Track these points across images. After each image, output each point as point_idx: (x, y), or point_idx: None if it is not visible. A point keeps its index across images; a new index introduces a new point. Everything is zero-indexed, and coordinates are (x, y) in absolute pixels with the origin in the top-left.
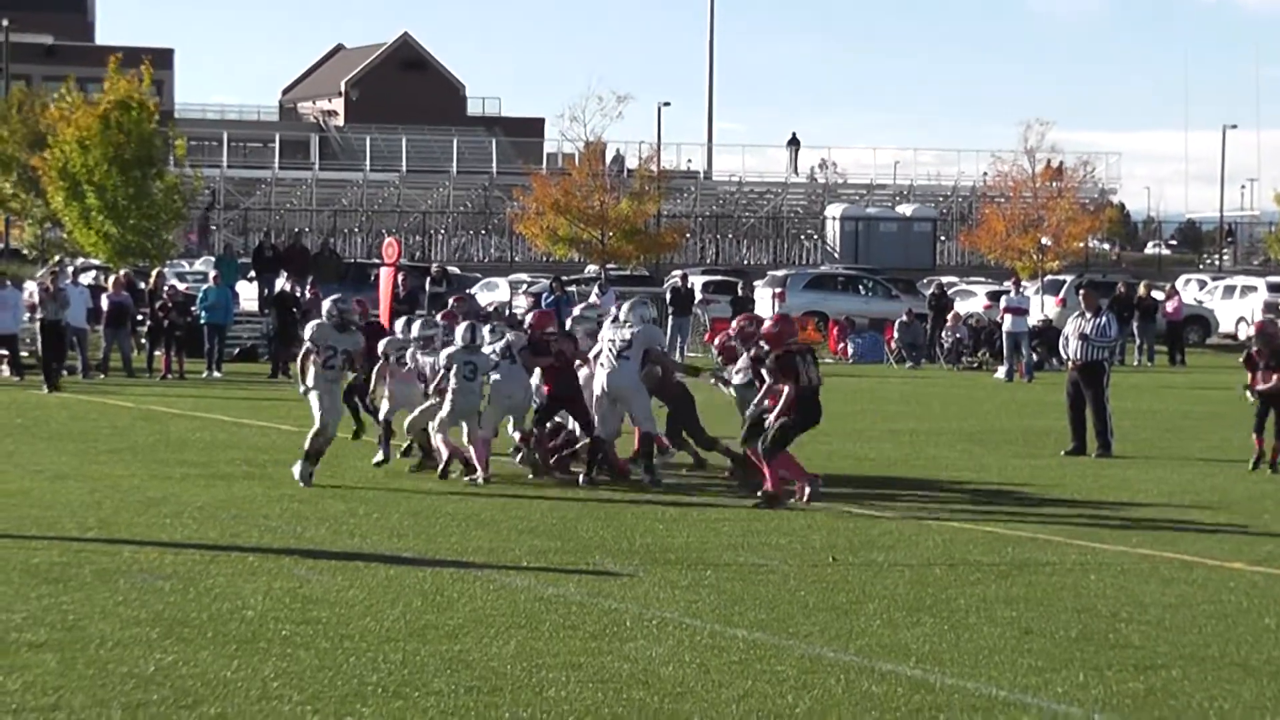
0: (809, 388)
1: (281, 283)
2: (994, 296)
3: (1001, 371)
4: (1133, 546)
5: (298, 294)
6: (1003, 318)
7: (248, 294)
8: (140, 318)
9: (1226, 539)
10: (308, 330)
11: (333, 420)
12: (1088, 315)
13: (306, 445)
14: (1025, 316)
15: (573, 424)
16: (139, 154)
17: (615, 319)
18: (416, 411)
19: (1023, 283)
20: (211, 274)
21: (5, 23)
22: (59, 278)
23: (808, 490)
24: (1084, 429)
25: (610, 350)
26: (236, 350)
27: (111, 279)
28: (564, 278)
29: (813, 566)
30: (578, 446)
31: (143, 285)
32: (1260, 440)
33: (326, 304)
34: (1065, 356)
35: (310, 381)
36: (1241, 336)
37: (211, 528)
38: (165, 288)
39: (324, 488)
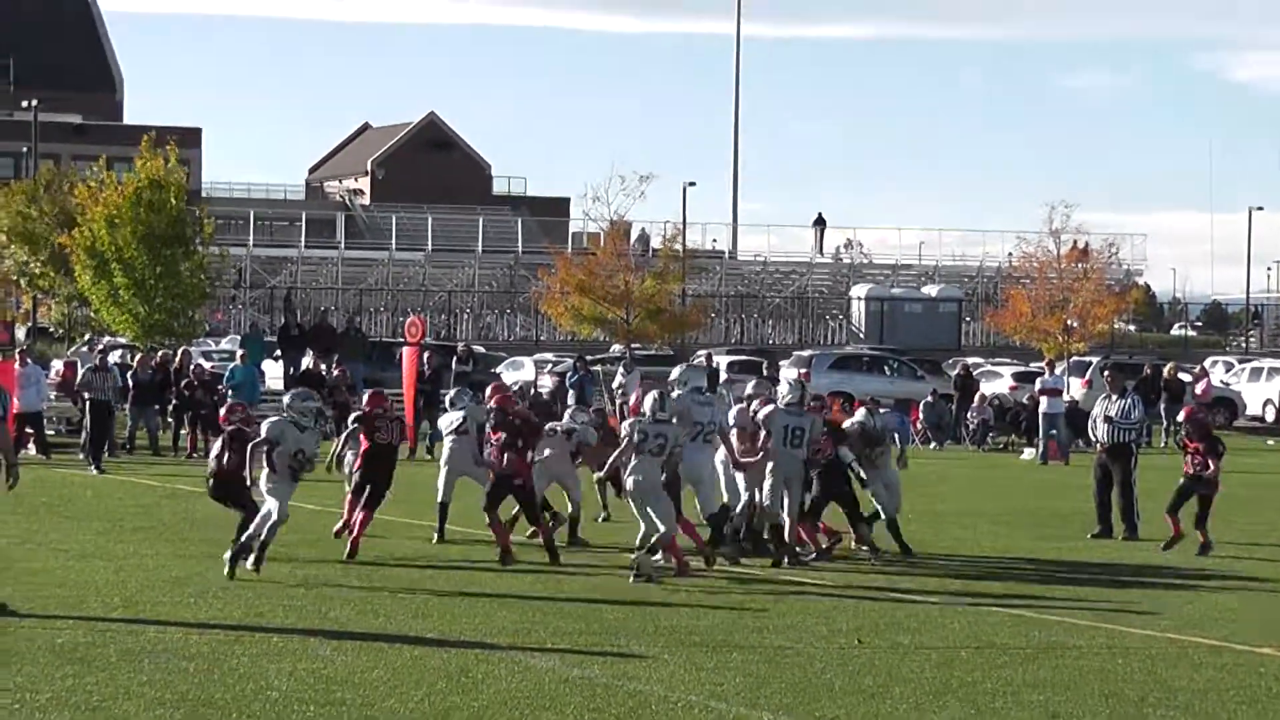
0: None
1: (307, 361)
2: (1020, 378)
3: (1029, 452)
4: (1160, 630)
5: (323, 372)
6: (1038, 399)
7: (274, 372)
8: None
9: (1255, 623)
10: (266, 427)
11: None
12: (1113, 397)
13: (263, 536)
14: (1060, 397)
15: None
16: (169, 233)
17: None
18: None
19: (1056, 364)
20: (238, 352)
21: (35, 102)
22: (106, 356)
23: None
24: (1110, 512)
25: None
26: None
27: (139, 357)
28: (588, 357)
29: (839, 649)
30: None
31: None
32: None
33: (287, 398)
34: (1094, 439)
35: (264, 482)
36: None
37: (236, 607)
38: (191, 366)
39: (347, 566)
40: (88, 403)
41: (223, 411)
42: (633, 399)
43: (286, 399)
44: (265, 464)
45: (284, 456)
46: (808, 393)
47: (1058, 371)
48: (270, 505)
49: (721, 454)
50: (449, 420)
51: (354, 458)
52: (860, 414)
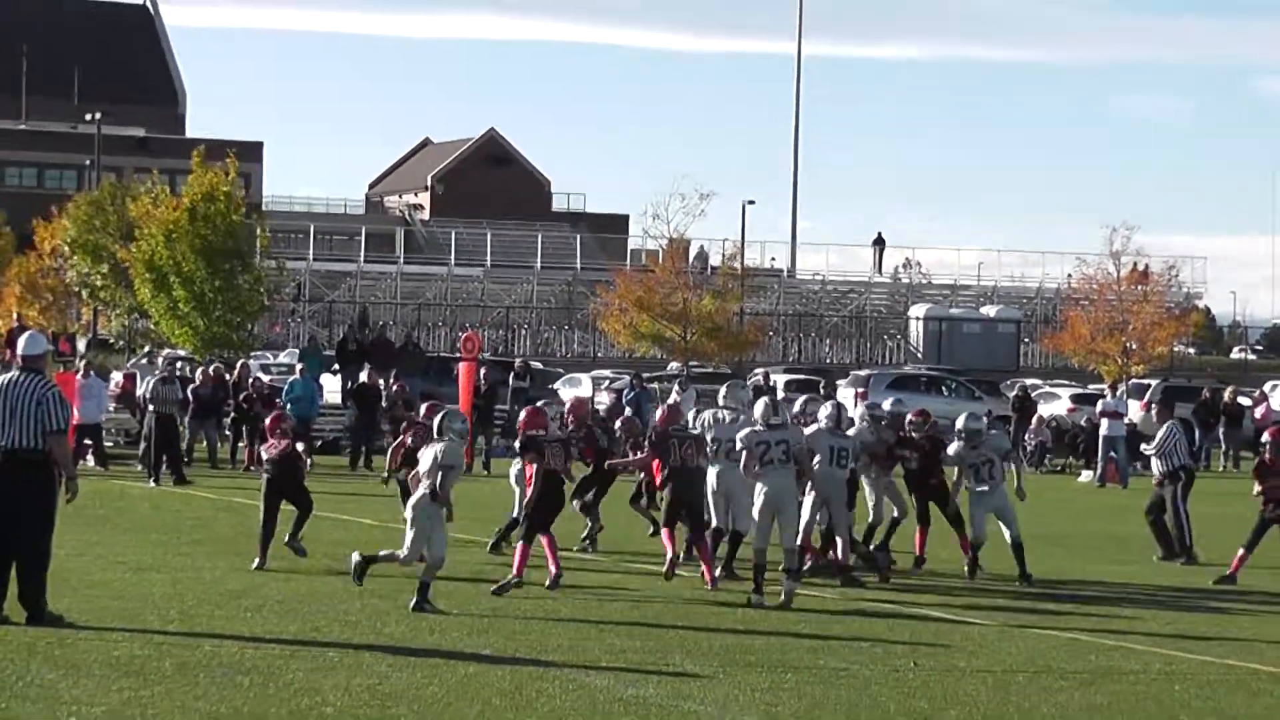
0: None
1: (364, 375)
2: (1078, 399)
3: (1087, 474)
4: (1218, 656)
5: (380, 387)
6: (1099, 421)
7: (331, 386)
8: (226, 409)
9: None
10: (444, 452)
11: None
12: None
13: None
14: (1121, 420)
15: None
16: (225, 246)
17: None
18: None
19: (1117, 386)
20: (297, 366)
21: (99, 115)
22: (173, 368)
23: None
24: (1168, 536)
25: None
26: (319, 443)
27: (200, 371)
28: (644, 374)
29: (894, 671)
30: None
31: (228, 377)
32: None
33: (438, 419)
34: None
35: (417, 509)
36: None
37: (291, 621)
38: (250, 379)
39: (402, 582)
40: (153, 415)
41: (269, 420)
42: (658, 415)
43: (438, 420)
44: (433, 488)
45: (452, 482)
46: (845, 413)
47: (1119, 394)
48: (435, 544)
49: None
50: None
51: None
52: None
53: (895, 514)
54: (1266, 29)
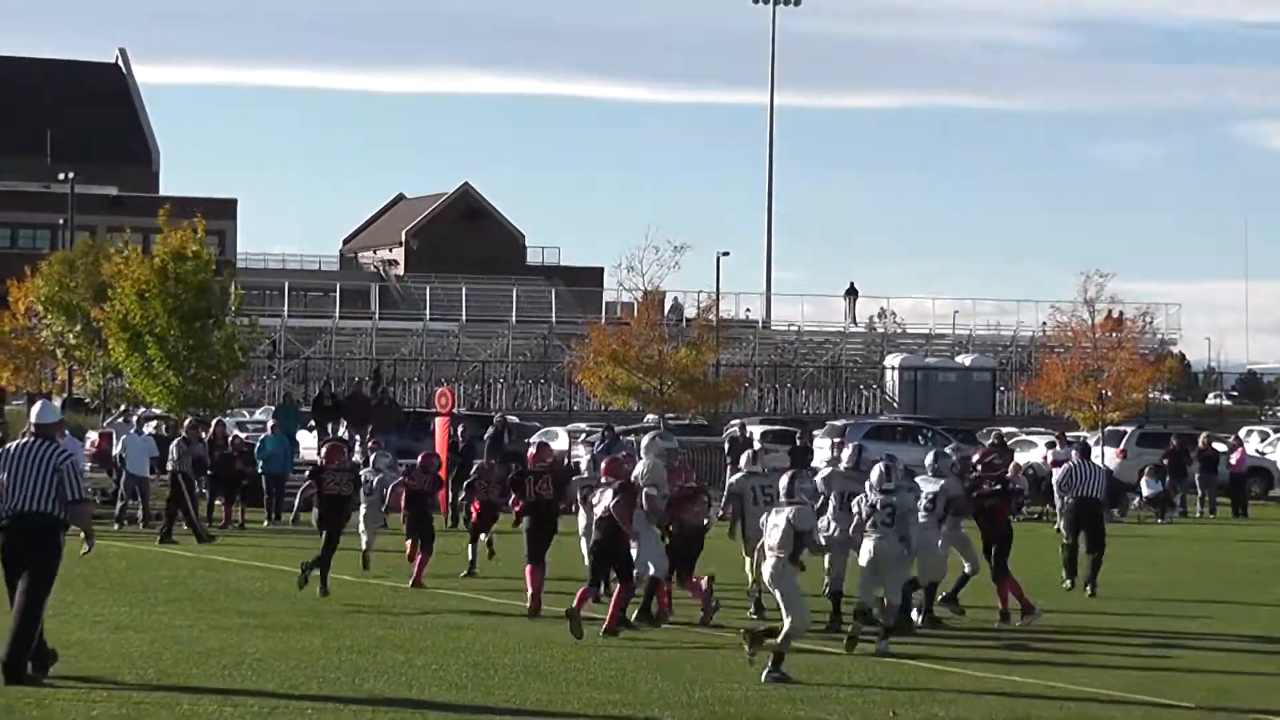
0: None
1: (341, 431)
2: (1054, 447)
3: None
4: (1196, 703)
5: (349, 443)
6: (1051, 470)
7: (308, 443)
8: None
9: None
10: (648, 469)
11: None
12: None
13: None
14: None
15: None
16: (197, 304)
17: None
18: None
19: (1066, 435)
20: (270, 423)
21: (72, 174)
22: (195, 429)
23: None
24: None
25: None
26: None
27: (187, 428)
28: (616, 427)
29: None
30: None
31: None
32: None
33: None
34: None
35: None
36: None
37: (270, 679)
38: (229, 438)
39: (381, 636)
40: (177, 475)
41: (327, 450)
42: (528, 454)
43: (646, 440)
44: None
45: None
46: (864, 458)
47: (1070, 442)
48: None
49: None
50: None
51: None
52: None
53: (966, 570)
54: (1239, 75)
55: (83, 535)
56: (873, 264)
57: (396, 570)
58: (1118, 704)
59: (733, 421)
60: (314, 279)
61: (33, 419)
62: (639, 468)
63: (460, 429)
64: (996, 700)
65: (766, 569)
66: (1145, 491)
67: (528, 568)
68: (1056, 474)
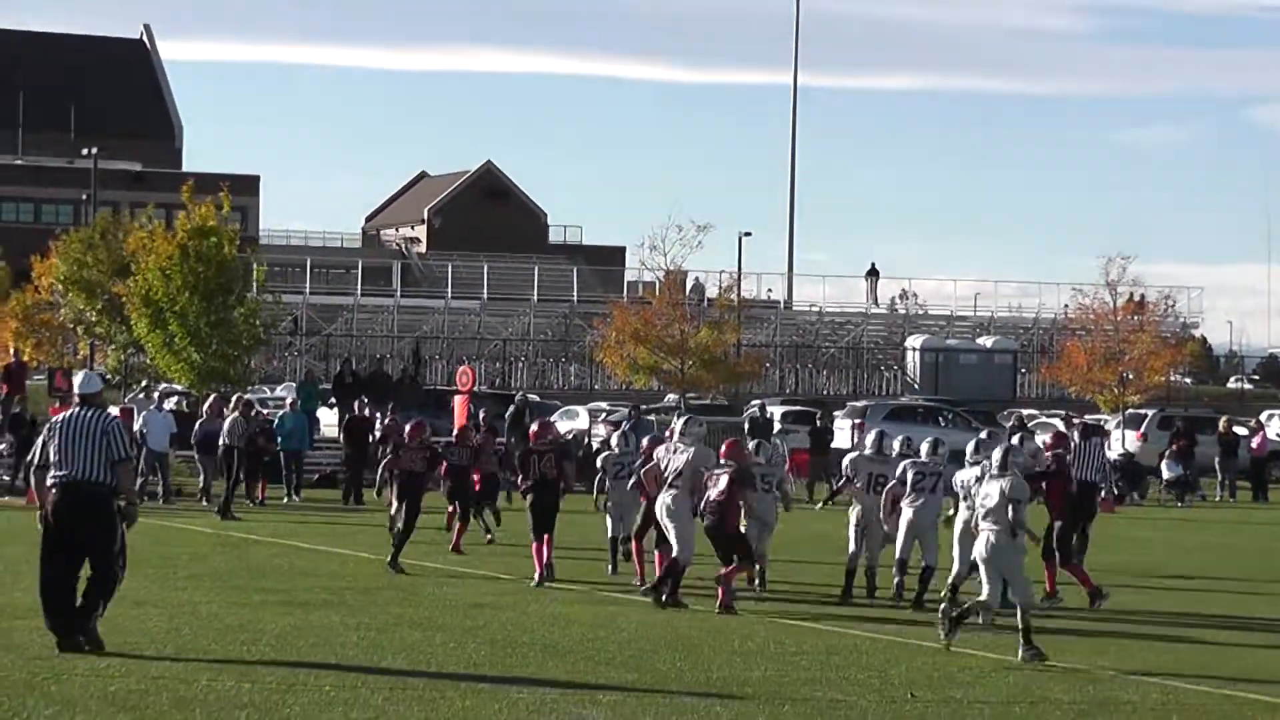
0: None
1: (356, 409)
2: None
3: None
4: (1215, 686)
5: (370, 420)
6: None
7: (329, 419)
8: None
9: None
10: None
11: None
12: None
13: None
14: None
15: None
16: (219, 281)
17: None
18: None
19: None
20: (288, 400)
21: (95, 150)
22: (250, 405)
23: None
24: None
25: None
26: (316, 476)
27: (206, 405)
28: (642, 406)
29: (891, 703)
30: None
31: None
32: None
33: (679, 424)
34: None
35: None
36: None
37: (288, 656)
38: (255, 414)
39: (399, 614)
40: (233, 451)
41: (410, 428)
42: (530, 431)
43: (679, 424)
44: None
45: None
46: (885, 443)
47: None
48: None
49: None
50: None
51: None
52: None
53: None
54: (1261, 59)
55: (124, 504)
56: (895, 245)
57: (415, 548)
58: (1135, 684)
59: (753, 402)
60: (336, 256)
61: (77, 389)
62: (688, 455)
63: (481, 414)
64: (1015, 682)
65: (981, 545)
66: (1165, 475)
67: (534, 544)
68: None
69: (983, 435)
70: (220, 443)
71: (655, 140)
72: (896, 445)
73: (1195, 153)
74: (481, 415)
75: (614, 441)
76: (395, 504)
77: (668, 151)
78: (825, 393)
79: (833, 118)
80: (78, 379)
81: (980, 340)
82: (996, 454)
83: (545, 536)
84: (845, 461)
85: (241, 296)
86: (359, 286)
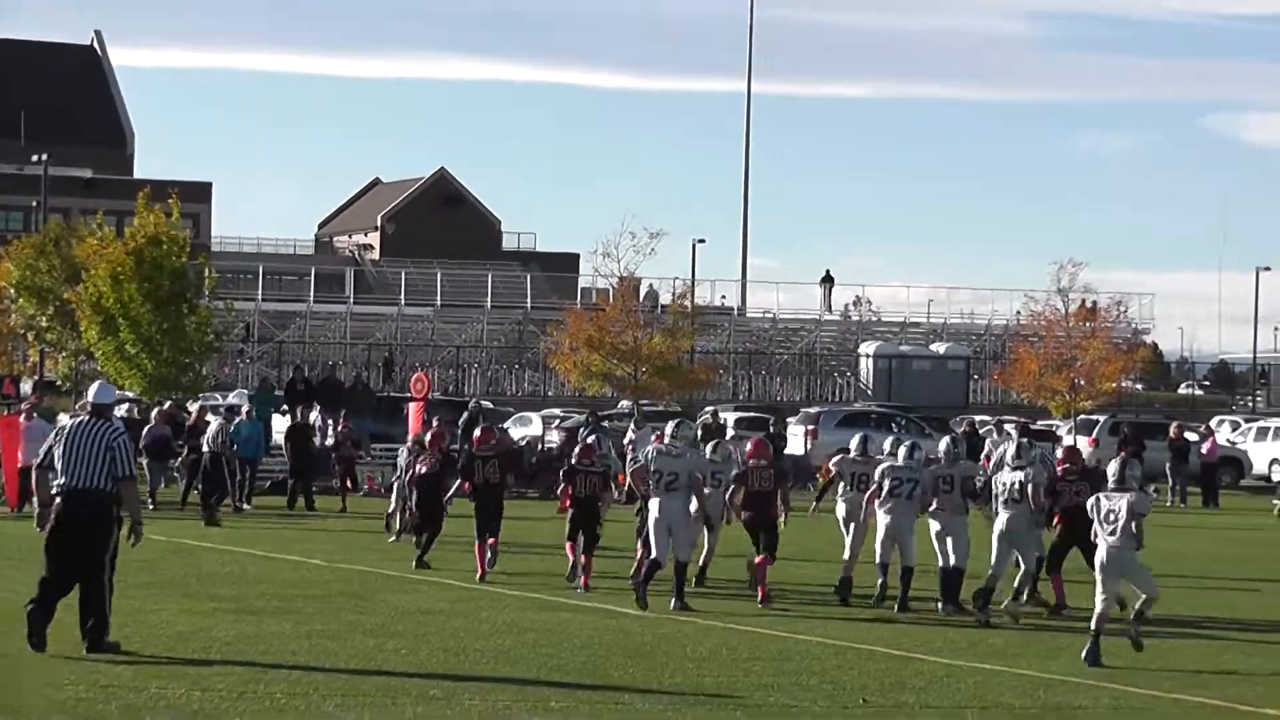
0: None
1: (299, 415)
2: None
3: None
4: (1165, 691)
5: (313, 425)
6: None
7: (283, 426)
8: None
9: (1260, 683)
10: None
11: None
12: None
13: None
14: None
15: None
16: (171, 288)
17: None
18: None
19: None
20: (244, 408)
21: (45, 156)
22: (232, 412)
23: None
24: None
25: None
26: (268, 484)
27: (154, 412)
28: (599, 412)
29: (843, 708)
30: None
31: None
32: None
33: (670, 426)
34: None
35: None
36: (1275, 478)
37: (239, 664)
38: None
39: (352, 621)
40: (220, 457)
41: (430, 436)
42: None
43: (670, 427)
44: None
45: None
46: (871, 445)
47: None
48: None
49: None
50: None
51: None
52: None
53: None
54: (1215, 67)
55: (129, 519)
56: (849, 252)
57: (368, 556)
58: (1087, 689)
59: (706, 408)
60: (289, 263)
61: (90, 398)
62: (685, 458)
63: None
64: (966, 688)
65: (1101, 555)
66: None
67: (476, 544)
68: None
69: (1022, 440)
70: (204, 449)
71: (609, 147)
72: (887, 445)
73: (1149, 160)
74: (435, 422)
75: (616, 448)
76: (394, 506)
77: (622, 159)
78: (779, 399)
79: (787, 125)
80: (92, 389)
81: (933, 347)
82: (1113, 469)
83: (489, 539)
84: (832, 463)
85: (193, 304)
86: (312, 293)
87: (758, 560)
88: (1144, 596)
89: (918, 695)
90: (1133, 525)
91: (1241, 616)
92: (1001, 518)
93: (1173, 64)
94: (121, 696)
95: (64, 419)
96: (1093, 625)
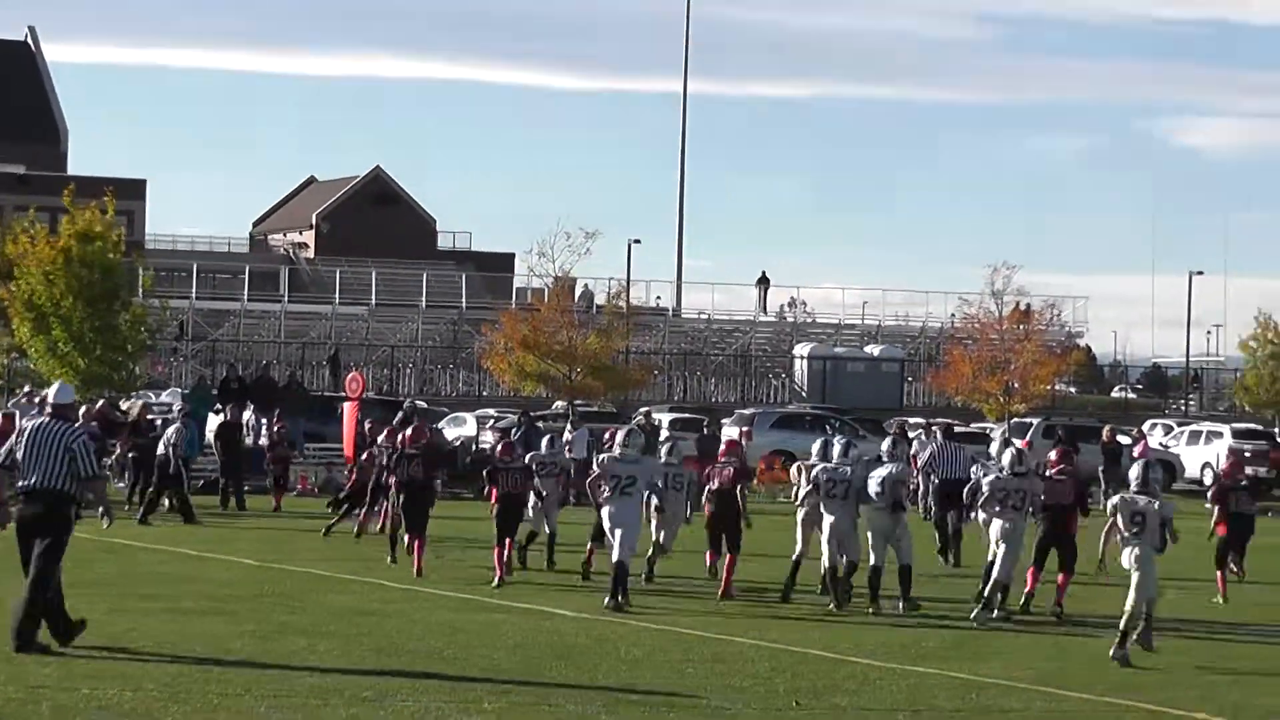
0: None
1: (229, 414)
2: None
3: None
4: (1098, 694)
5: (242, 423)
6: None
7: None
8: (112, 449)
9: (1192, 687)
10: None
11: None
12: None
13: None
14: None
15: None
16: (104, 286)
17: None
18: None
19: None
20: (178, 406)
21: None
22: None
23: None
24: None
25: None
26: (200, 483)
27: (83, 410)
28: (532, 412)
29: (776, 710)
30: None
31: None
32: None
33: (620, 435)
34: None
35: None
36: (1208, 482)
37: (172, 664)
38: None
39: (285, 621)
40: (181, 459)
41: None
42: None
43: (620, 436)
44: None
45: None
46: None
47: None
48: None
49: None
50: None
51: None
52: None
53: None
54: (1148, 71)
55: (100, 511)
56: (784, 253)
57: (300, 556)
58: (1019, 691)
59: (640, 409)
60: (223, 261)
61: (50, 399)
62: (640, 465)
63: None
64: (899, 690)
65: (1127, 556)
66: None
67: (407, 538)
68: (922, 457)
69: (1018, 445)
70: (160, 450)
71: (545, 147)
72: (816, 447)
73: (1083, 162)
74: (368, 425)
75: (543, 445)
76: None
77: (558, 158)
78: (713, 400)
79: (723, 125)
80: (52, 389)
81: (868, 349)
82: (1135, 473)
83: (416, 537)
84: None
85: (127, 302)
86: (246, 292)
87: (728, 560)
88: (1148, 598)
89: (850, 698)
90: (1165, 530)
91: (1173, 618)
92: (1000, 522)
93: (1107, 67)
94: (52, 697)
95: (24, 421)
96: (1122, 624)
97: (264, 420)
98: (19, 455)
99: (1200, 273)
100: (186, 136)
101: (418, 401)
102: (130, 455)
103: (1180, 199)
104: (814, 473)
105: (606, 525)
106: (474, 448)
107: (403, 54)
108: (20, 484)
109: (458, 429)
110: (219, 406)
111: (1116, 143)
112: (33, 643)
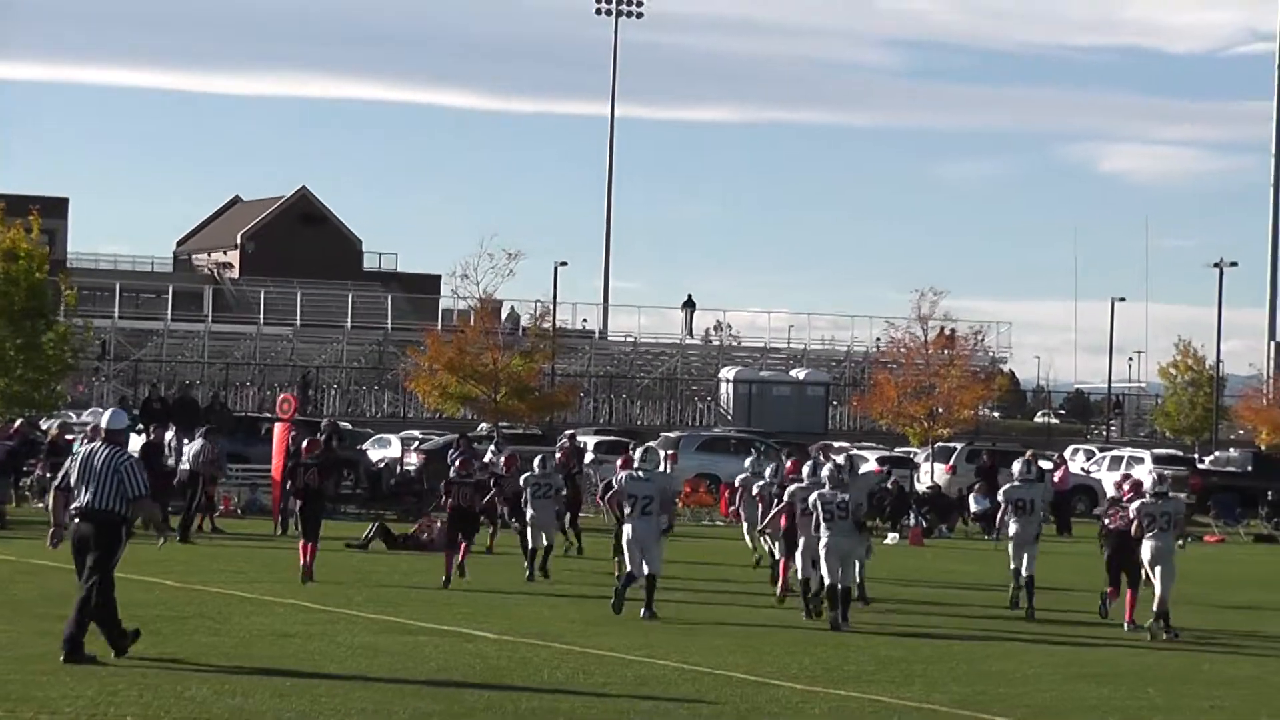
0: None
1: (150, 434)
2: (884, 462)
3: (893, 536)
4: (1021, 718)
5: (166, 444)
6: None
7: (137, 445)
8: (27, 469)
9: (1113, 712)
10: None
11: None
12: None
13: None
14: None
15: None
16: (28, 304)
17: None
18: None
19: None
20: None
21: None
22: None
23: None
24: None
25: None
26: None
27: None
28: (469, 434)
29: None
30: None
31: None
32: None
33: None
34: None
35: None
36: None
37: (89, 686)
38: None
39: (207, 643)
40: (198, 476)
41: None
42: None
43: (639, 454)
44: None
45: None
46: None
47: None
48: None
49: None
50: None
51: None
52: None
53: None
54: (1068, 98)
55: (153, 529)
56: (711, 277)
57: (221, 577)
58: (942, 716)
59: (566, 431)
60: (146, 280)
61: (104, 424)
62: (655, 483)
63: (294, 437)
64: (820, 714)
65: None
66: (973, 508)
67: (301, 543)
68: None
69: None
70: (183, 467)
71: (472, 169)
72: (748, 464)
73: (1006, 189)
74: (294, 438)
75: (535, 464)
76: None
77: (484, 180)
78: (639, 423)
79: (650, 148)
80: (105, 415)
81: (793, 372)
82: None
83: (309, 542)
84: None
85: (51, 321)
86: (169, 311)
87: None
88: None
89: None
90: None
91: (1091, 641)
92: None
93: (1029, 93)
94: None
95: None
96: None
97: (185, 440)
98: (73, 478)
99: (1123, 299)
100: (110, 155)
101: (341, 422)
102: (47, 476)
103: (1101, 225)
104: (811, 499)
105: (626, 540)
106: (399, 469)
107: (330, 75)
108: (74, 505)
109: (382, 450)
110: (140, 427)
111: (1038, 169)
112: (81, 654)
